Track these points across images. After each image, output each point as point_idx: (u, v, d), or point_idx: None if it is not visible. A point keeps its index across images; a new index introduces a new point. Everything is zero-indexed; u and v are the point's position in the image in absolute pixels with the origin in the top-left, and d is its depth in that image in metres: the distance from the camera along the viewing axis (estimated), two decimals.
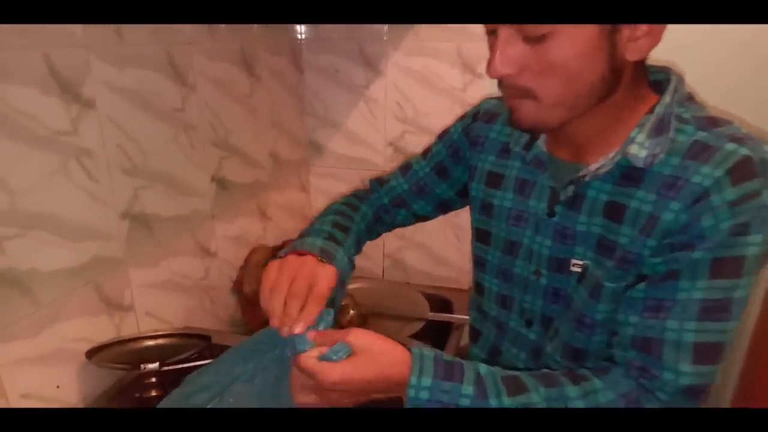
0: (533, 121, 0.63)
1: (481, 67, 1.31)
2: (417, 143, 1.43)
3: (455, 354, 1.22)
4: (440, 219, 1.48)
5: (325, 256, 0.69)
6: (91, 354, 0.82)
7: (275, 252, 1.26)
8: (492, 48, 0.60)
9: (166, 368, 0.84)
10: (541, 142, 0.72)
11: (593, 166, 0.65)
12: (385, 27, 1.36)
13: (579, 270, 0.68)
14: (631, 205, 0.62)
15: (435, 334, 1.30)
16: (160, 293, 0.99)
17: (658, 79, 0.66)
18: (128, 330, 0.92)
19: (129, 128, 0.88)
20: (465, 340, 1.58)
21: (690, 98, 0.65)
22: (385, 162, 1.48)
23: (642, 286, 0.62)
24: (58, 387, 0.81)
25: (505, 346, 0.81)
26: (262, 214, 1.33)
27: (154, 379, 0.88)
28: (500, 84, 0.63)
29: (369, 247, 1.57)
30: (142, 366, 0.84)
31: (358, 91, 1.44)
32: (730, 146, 0.57)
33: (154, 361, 0.85)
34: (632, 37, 0.58)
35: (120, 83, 0.85)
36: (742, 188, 0.56)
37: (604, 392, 0.62)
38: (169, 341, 0.89)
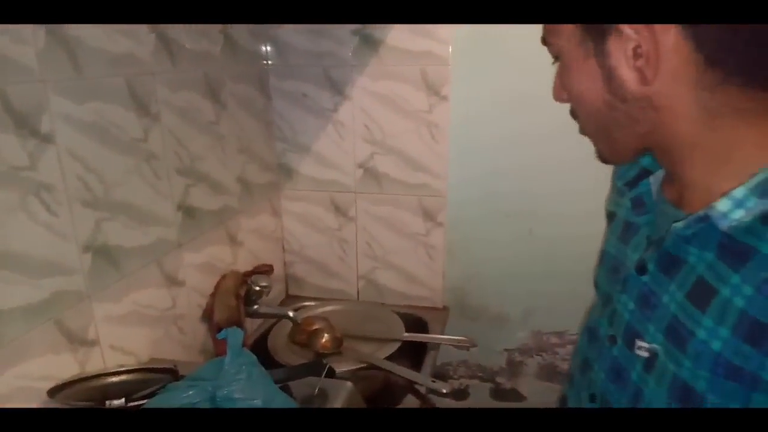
0: (606, 154, 0.59)
1: (446, 90, 1.33)
2: (386, 164, 1.45)
3: (432, 373, 1.22)
4: (412, 238, 1.50)
5: None
6: (54, 392, 0.80)
7: (246, 277, 1.26)
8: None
9: (132, 404, 0.83)
10: (653, 178, 0.60)
11: (679, 225, 0.51)
12: (350, 53, 1.38)
13: (646, 354, 0.54)
14: (722, 292, 0.47)
15: (411, 354, 1.30)
16: (125, 326, 0.98)
17: None
18: (93, 365, 0.90)
19: (89, 160, 0.87)
20: (441, 359, 1.59)
21: None
22: (355, 183, 1.49)
23: None
24: None
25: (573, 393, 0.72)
26: (232, 239, 1.32)
27: None
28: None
29: (343, 269, 1.58)
30: (107, 402, 0.82)
31: (326, 115, 1.45)
32: None
33: (120, 397, 0.83)
34: (627, 58, 0.50)
35: (79, 116, 0.84)
36: None
37: None
38: (134, 376, 0.88)
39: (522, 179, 1.39)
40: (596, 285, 0.71)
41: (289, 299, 1.62)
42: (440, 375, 1.60)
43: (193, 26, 1.11)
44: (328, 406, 0.85)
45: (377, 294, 1.59)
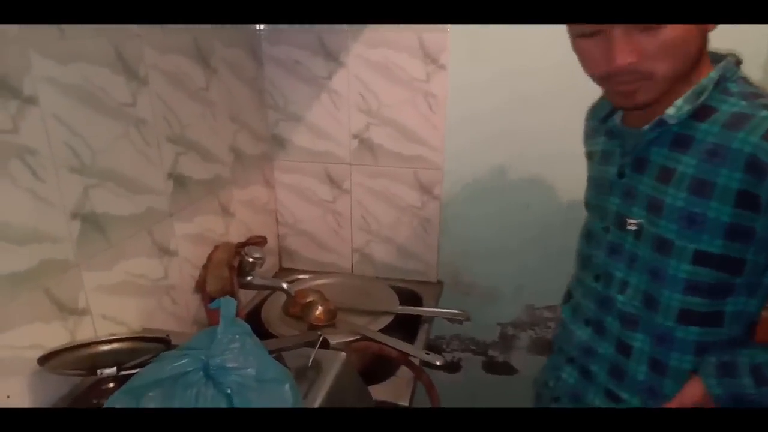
0: (651, 98, 0.70)
1: (444, 58, 1.30)
2: (382, 135, 1.42)
3: (426, 346, 1.22)
4: (407, 212, 1.48)
5: None
6: (44, 360, 0.79)
7: (239, 249, 1.24)
8: (599, 45, 0.68)
9: (124, 373, 0.81)
10: (617, 116, 0.83)
11: (645, 128, 0.75)
12: None
13: (635, 228, 0.77)
14: (678, 169, 0.72)
15: (404, 328, 1.30)
16: (117, 295, 0.96)
17: (718, 61, 0.74)
18: (84, 335, 0.89)
19: (75, 125, 0.84)
20: (435, 332, 1.59)
21: (744, 79, 0.74)
22: (350, 155, 1.46)
23: None
24: (8, 397, 0.77)
25: (583, 302, 0.90)
26: (225, 210, 1.30)
27: (111, 385, 0.85)
28: (611, 76, 0.70)
29: (337, 242, 1.57)
30: (98, 371, 0.81)
31: (320, 84, 1.41)
32: (764, 113, 0.66)
33: (111, 366, 0.82)
34: None
35: (64, 79, 0.81)
36: None
37: None
38: (126, 345, 0.86)
39: (520, 152, 1.37)
40: (587, 203, 0.92)
41: (283, 272, 1.61)
42: (434, 348, 1.60)
43: None
44: (322, 377, 0.84)
45: (371, 267, 1.58)
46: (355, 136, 1.44)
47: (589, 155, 0.93)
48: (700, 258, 0.71)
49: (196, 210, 1.18)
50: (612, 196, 0.82)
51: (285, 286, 1.29)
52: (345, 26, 1.34)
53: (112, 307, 0.95)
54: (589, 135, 0.94)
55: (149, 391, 0.67)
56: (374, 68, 1.36)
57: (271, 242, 1.55)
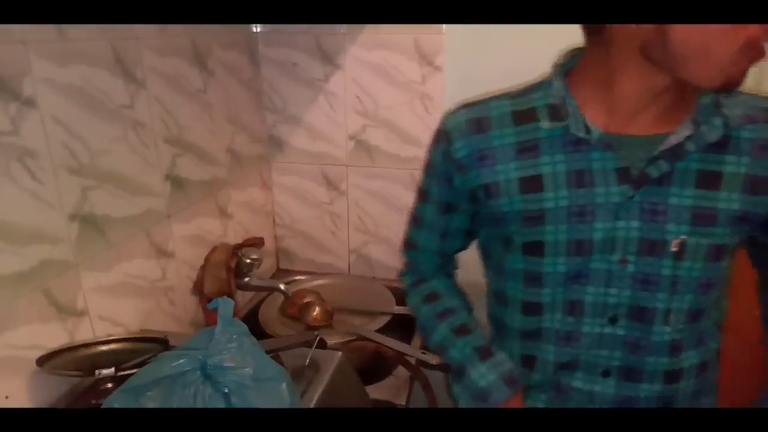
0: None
1: (440, 59, 1.31)
2: (378, 136, 1.43)
3: (422, 346, 1.22)
4: (405, 213, 1.48)
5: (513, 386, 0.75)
6: (42, 361, 0.79)
7: (236, 250, 1.25)
8: None
9: (122, 373, 0.82)
10: (578, 126, 0.67)
11: (677, 136, 0.65)
12: None
13: (676, 249, 0.67)
14: (724, 170, 0.66)
15: (401, 328, 1.30)
16: (115, 296, 0.96)
17: None
18: (82, 335, 0.89)
19: (74, 127, 0.85)
20: None
21: None
22: (347, 156, 1.47)
23: None
24: (7, 397, 0.78)
25: (584, 356, 0.74)
26: (222, 212, 1.30)
27: (110, 385, 0.85)
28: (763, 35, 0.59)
29: (334, 242, 1.57)
30: (96, 372, 0.82)
31: (316, 86, 1.42)
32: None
33: (110, 367, 0.82)
34: None
35: (63, 80, 0.82)
36: None
37: None
38: (124, 345, 0.87)
39: None
40: (543, 250, 0.71)
41: (280, 273, 1.61)
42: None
43: None
44: (319, 376, 0.85)
45: (368, 268, 1.58)
46: (352, 138, 1.45)
47: (529, 180, 0.70)
48: (732, 250, 0.71)
49: (194, 211, 1.18)
50: (620, 221, 0.67)
51: (282, 287, 1.30)
52: (342, 28, 1.35)
53: (111, 308, 0.95)
54: (505, 155, 0.71)
55: (147, 390, 0.68)
56: (371, 70, 1.37)
57: (269, 243, 1.55)
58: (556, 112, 0.68)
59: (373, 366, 1.15)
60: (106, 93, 0.90)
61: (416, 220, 0.87)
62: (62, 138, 0.83)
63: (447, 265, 0.91)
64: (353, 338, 1.18)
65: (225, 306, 0.73)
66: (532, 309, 0.75)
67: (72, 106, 0.84)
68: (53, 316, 0.84)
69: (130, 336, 0.90)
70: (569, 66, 0.71)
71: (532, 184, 0.69)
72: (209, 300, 1.16)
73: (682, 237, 0.66)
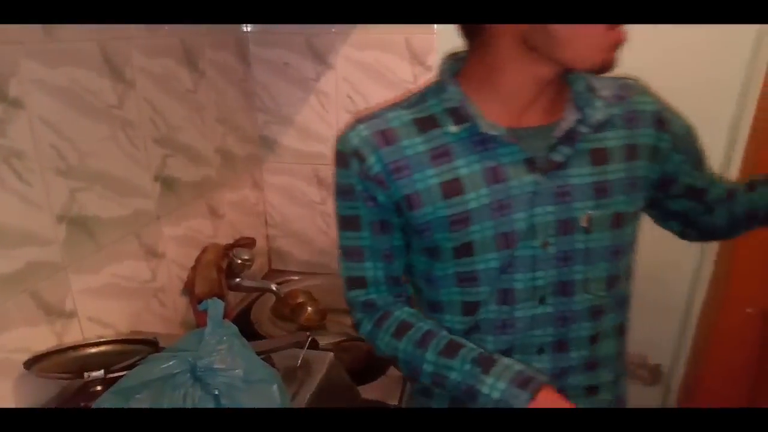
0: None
1: (431, 59, 1.31)
2: None
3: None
4: None
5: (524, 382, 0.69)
6: (30, 364, 0.79)
7: (227, 251, 1.24)
8: None
9: (111, 375, 0.81)
10: (486, 125, 0.68)
11: (567, 122, 0.70)
12: None
13: (586, 224, 0.72)
14: (608, 145, 0.72)
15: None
16: (104, 298, 0.96)
17: None
18: (71, 338, 0.89)
19: (62, 128, 0.84)
20: None
21: None
22: None
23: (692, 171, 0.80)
24: None
25: (519, 339, 0.75)
26: (213, 212, 1.30)
27: (99, 388, 0.85)
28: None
29: (327, 242, 1.57)
30: (85, 374, 0.81)
31: (308, 85, 1.42)
32: (629, 81, 0.76)
33: (99, 369, 0.81)
34: None
35: (51, 81, 0.81)
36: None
37: None
38: (113, 348, 0.86)
39: None
40: (473, 249, 0.72)
41: (272, 273, 1.61)
42: None
43: None
44: (311, 377, 0.85)
45: None
46: None
47: (451, 183, 0.70)
48: (633, 216, 0.77)
49: (185, 212, 1.18)
50: (537, 207, 0.70)
51: (274, 287, 1.30)
52: (333, 28, 1.35)
53: (100, 310, 0.95)
54: (420, 164, 0.70)
55: (137, 393, 0.67)
56: (362, 70, 1.37)
57: (261, 243, 1.55)
58: (458, 116, 0.69)
59: (365, 366, 1.15)
60: (94, 93, 0.90)
61: (353, 253, 0.78)
62: (50, 139, 0.82)
63: (401, 292, 0.82)
64: (346, 339, 1.18)
65: (215, 307, 0.73)
66: (470, 308, 0.76)
67: (60, 106, 0.83)
68: (41, 319, 0.83)
69: (120, 338, 0.90)
70: (456, 68, 0.73)
71: (454, 188, 0.70)
72: (200, 300, 1.15)
73: (589, 212, 0.71)
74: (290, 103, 1.44)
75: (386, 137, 0.70)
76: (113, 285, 0.98)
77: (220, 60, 1.27)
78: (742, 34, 1.16)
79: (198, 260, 1.19)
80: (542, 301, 0.74)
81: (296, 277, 1.54)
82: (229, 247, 1.25)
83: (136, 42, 0.98)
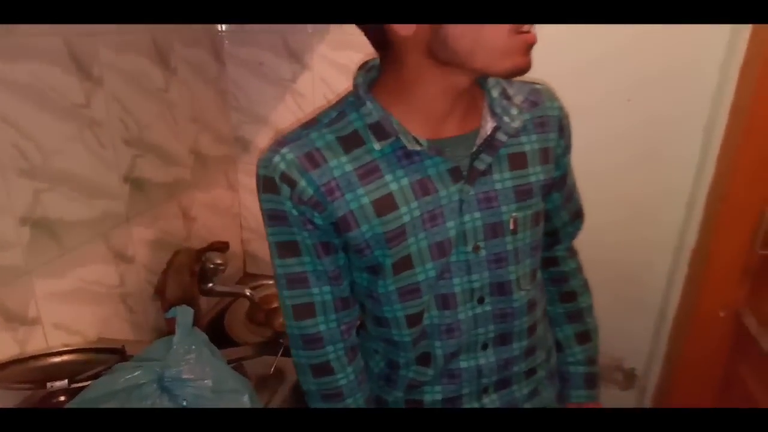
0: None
1: None
2: None
3: None
4: None
5: None
6: None
7: (200, 254, 1.21)
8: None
9: (75, 386, 0.78)
10: (409, 140, 0.67)
11: (485, 130, 0.71)
12: None
13: (512, 226, 0.74)
14: (525, 149, 0.75)
15: None
16: (70, 303, 0.92)
17: None
18: (34, 346, 0.85)
19: (24, 126, 0.80)
20: None
21: None
22: None
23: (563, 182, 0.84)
24: None
25: (465, 339, 0.77)
26: (185, 214, 1.26)
27: (62, 398, 0.82)
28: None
29: None
30: (48, 384, 0.78)
31: (284, 85, 1.39)
32: (538, 86, 0.79)
33: (63, 379, 0.78)
34: None
35: (11, 77, 0.78)
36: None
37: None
38: (78, 356, 0.83)
39: None
40: (411, 262, 0.72)
41: (247, 277, 1.58)
42: None
43: None
44: (284, 385, 0.83)
45: None
46: None
47: (359, 211, 0.69)
48: (544, 213, 0.81)
49: (155, 214, 1.14)
50: (467, 215, 0.72)
51: (248, 292, 1.27)
52: (309, 28, 1.32)
53: (66, 316, 0.91)
54: (349, 184, 0.68)
55: (102, 403, 0.65)
56: (339, 70, 1.35)
57: (235, 247, 1.52)
58: (381, 131, 0.68)
59: None
60: (59, 91, 0.86)
61: (296, 280, 0.73)
62: (11, 138, 0.79)
63: (350, 318, 0.79)
64: None
65: (184, 315, 0.71)
66: (415, 319, 0.76)
67: (22, 104, 0.80)
68: (2, 326, 0.80)
69: (85, 346, 0.87)
70: (370, 79, 0.71)
71: (386, 204, 0.69)
72: (172, 305, 1.12)
73: (514, 215, 0.74)
74: (266, 102, 1.42)
75: (313, 159, 0.68)
76: (80, 290, 0.94)
77: (192, 58, 1.24)
78: (715, 34, 1.16)
79: (169, 264, 1.16)
80: (481, 301, 0.76)
81: (271, 281, 1.51)
82: (202, 251, 1.21)
83: (104, 38, 0.95)
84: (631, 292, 1.40)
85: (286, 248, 0.72)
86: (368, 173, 0.68)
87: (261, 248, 1.58)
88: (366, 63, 0.72)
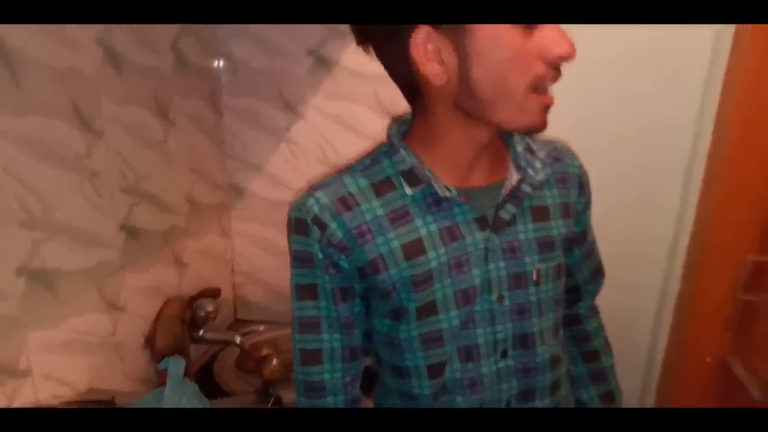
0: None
1: (398, 111, 1.34)
2: None
3: None
4: None
5: None
6: None
7: (191, 302, 1.21)
8: (537, 41, 0.63)
9: None
10: (440, 187, 0.70)
11: (510, 182, 0.74)
12: (304, 72, 1.37)
13: (535, 277, 0.75)
14: (548, 203, 0.77)
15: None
16: (62, 354, 0.91)
17: None
18: (23, 399, 0.84)
19: (27, 179, 0.82)
20: None
21: None
22: None
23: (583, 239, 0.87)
24: None
25: (488, 394, 0.76)
26: (178, 261, 1.27)
27: None
28: (547, 75, 0.64)
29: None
30: None
31: (279, 134, 1.43)
32: (558, 143, 0.83)
33: None
34: None
35: (17, 132, 0.80)
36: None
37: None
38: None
39: None
40: (436, 308, 0.73)
41: (238, 323, 1.57)
42: None
43: (143, 40, 1.08)
44: None
45: None
46: None
47: (389, 254, 0.70)
48: (565, 267, 0.83)
49: (149, 262, 1.15)
50: (491, 263, 0.73)
51: (238, 340, 1.26)
52: (304, 80, 1.37)
53: (57, 367, 0.90)
54: (381, 228, 0.70)
55: None
56: (333, 120, 1.39)
57: (227, 292, 1.52)
58: (413, 177, 0.71)
59: None
60: (62, 143, 0.88)
61: (309, 324, 0.75)
62: (14, 190, 0.80)
63: (356, 370, 0.79)
64: None
65: (175, 366, 0.71)
66: (436, 370, 0.75)
67: (26, 157, 0.82)
68: None
69: (74, 400, 0.85)
70: (403, 131, 0.75)
71: (416, 249, 0.71)
72: (162, 355, 1.11)
73: (537, 266, 0.75)
74: (261, 151, 1.45)
75: (346, 203, 0.70)
76: (73, 340, 0.94)
77: (191, 109, 1.27)
78: (701, 35, 1.19)
79: (160, 313, 1.15)
80: (504, 354, 0.76)
81: (262, 327, 1.51)
82: (193, 299, 1.22)
83: (106, 92, 0.98)
84: (619, 336, 1.40)
85: (305, 291, 0.74)
86: (399, 217, 0.71)
87: (252, 293, 1.58)
88: (399, 117, 0.76)
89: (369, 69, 1.32)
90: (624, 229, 1.33)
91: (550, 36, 0.63)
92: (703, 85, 1.21)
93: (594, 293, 0.93)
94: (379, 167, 0.73)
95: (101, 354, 1.01)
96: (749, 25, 1.14)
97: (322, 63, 1.36)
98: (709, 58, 1.20)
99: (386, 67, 0.70)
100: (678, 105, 1.24)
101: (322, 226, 0.70)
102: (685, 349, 1.37)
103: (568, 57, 0.63)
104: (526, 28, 0.62)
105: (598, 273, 0.92)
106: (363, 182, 0.72)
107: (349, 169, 0.74)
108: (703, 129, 1.23)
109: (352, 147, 1.40)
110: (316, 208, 0.70)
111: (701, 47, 1.20)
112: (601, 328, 0.94)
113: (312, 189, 0.72)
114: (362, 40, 0.70)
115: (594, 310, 0.94)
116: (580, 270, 0.89)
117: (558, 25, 0.64)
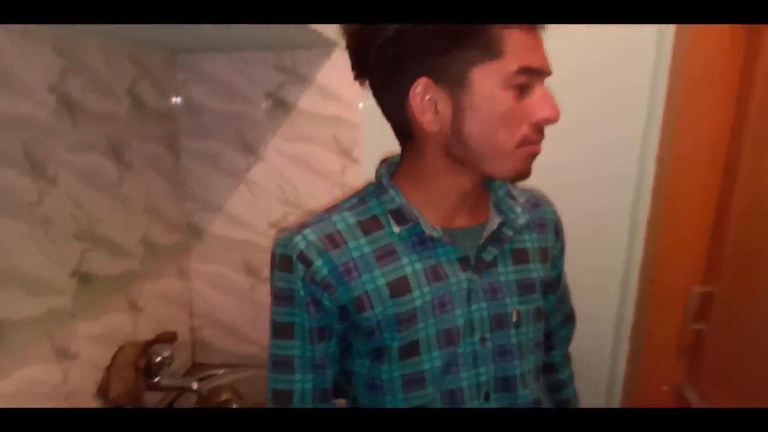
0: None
1: (357, 152, 1.37)
2: None
3: None
4: None
5: None
6: None
7: (147, 347, 1.19)
8: (526, 102, 0.66)
9: None
10: (427, 226, 0.71)
11: (491, 224, 0.76)
12: (262, 115, 1.39)
13: (515, 318, 0.76)
14: (527, 246, 0.80)
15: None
16: (9, 406, 0.88)
17: None
18: None
19: None
20: None
21: None
22: (269, 243, 1.47)
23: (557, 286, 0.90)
24: None
25: None
26: (133, 306, 1.24)
27: None
28: (535, 134, 0.68)
29: (255, 332, 1.53)
30: None
31: (238, 175, 1.43)
32: (534, 191, 0.86)
33: None
34: None
35: None
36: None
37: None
38: None
39: None
40: (419, 348, 0.73)
41: (196, 367, 1.53)
42: None
43: (98, 86, 1.08)
44: None
45: None
46: (273, 225, 1.46)
47: (397, 283, 0.71)
48: (541, 312, 0.83)
49: (102, 308, 1.12)
50: (474, 304, 0.74)
51: (195, 386, 1.23)
52: (263, 122, 1.39)
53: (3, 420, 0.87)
54: (367, 265, 0.71)
55: None
56: (292, 161, 1.41)
57: (184, 335, 1.49)
58: (401, 216, 0.73)
59: None
60: (11, 192, 0.87)
61: (283, 363, 0.75)
62: None
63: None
64: None
65: None
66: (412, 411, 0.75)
67: None
68: None
69: None
70: (391, 171, 0.78)
71: (401, 287, 0.71)
72: (115, 404, 1.08)
73: (517, 307, 0.76)
74: (220, 191, 1.45)
75: (333, 240, 0.71)
76: (20, 391, 0.90)
77: (148, 152, 1.27)
78: (644, 37, 1.21)
79: (113, 360, 1.12)
80: (487, 397, 0.75)
81: (221, 371, 1.48)
82: (149, 344, 1.19)
83: (60, 138, 0.97)
84: (579, 366, 1.44)
85: (282, 329, 0.74)
86: (386, 255, 0.72)
87: (211, 335, 1.55)
88: (387, 159, 0.79)
89: (326, 111, 1.35)
90: (576, 260, 1.36)
91: (538, 100, 0.66)
92: (645, 124, 1.27)
93: (567, 340, 0.96)
94: (367, 206, 0.75)
95: (50, 404, 0.98)
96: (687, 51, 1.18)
97: (281, 105, 1.38)
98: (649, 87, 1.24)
99: (381, 106, 0.73)
100: (620, 149, 1.29)
101: (307, 263, 0.70)
102: (642, 379, 1.40)
103: (553, 121, 0.67)
104: (519, 90, 0.65)
105: (570, 318, 0.95)
106: (351, 220, 0.74)
107: (337, 207, 0.76)
108: (644, 171, 1.29)
109: (311, 186, 1.41)
110: (302, 245, 0.70)
111: (642, 68, 1.23)
112: (572, 376, 0.96)
113: (300, 227, 0.73)
114: (360, 76, 0.72)
115: (567, 358, 0.96)
116: (553, 315, 0.92)
117: (547, 89, 0.67)
